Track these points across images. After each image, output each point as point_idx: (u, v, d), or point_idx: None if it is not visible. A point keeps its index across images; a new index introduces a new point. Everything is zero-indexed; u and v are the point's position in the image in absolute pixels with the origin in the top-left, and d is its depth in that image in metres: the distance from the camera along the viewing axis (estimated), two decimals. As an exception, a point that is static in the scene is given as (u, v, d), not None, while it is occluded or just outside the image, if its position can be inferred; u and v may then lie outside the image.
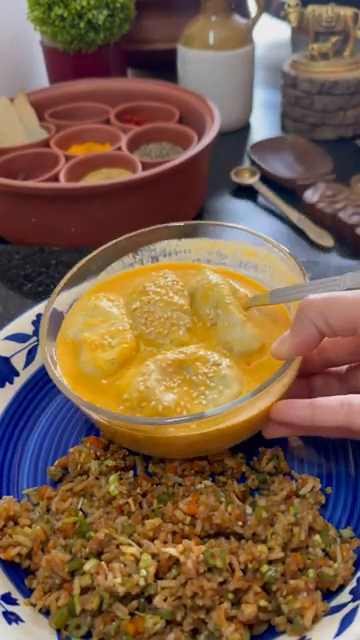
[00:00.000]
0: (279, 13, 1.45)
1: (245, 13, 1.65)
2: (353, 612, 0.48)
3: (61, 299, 0.65)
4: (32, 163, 1.06)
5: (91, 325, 0.63)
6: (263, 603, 0.48)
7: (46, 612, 0.51)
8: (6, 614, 0.49)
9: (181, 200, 1.01)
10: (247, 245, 0.70)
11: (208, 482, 0.57)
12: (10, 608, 0.50)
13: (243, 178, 1.17)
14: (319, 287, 0.58)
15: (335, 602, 0.50)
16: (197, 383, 0.57)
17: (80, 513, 0.55)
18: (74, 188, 0.90)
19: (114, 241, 0.70)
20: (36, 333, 0.72)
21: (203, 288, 0.66)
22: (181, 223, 0.72)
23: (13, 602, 0.51)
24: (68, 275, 0.67)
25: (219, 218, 1.09)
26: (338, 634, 0.46)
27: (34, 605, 0.51)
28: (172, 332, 0.62)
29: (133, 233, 0.71)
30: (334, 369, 0.62)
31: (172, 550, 0.50)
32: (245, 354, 0.61)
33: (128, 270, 0.72)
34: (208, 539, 0.52)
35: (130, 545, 0.51)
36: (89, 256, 0.69)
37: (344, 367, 0.61)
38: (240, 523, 0.53)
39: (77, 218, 0.93)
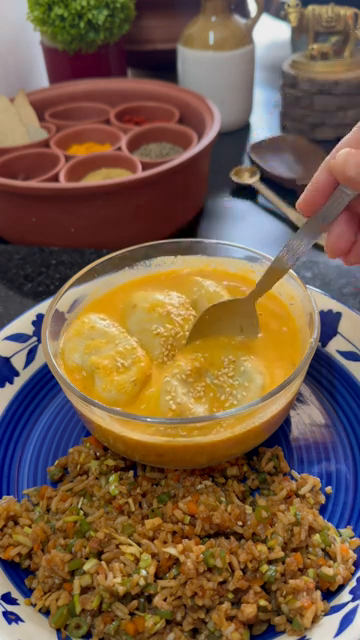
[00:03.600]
0: (279, 13, 1.45)
1: (245, 13, 1.65)
2: (353, 612, 0.48)
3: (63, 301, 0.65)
4: (32, 163, 1.06)
5: (95, 348, 0.61)
6: (263, 603, 0.48)
7: (46, 612, 0.51)
8: (6, 614, 0.49)
9: (181, 200, 1.01)
10: (243, 262, 0.70)
11: (208, 482, 0.57)
12: (10, 608, 0.50)
13: (243, 178, 1.17)
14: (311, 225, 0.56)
15: (335, 602, 0.50)
16: (221, 385, 0.57)
17: (81, 512, 0.55)
18: (74, 188, 0.90)
19: (110, 255, 0.69)
20: (36, 333, 0.72)
21: (203, 298, 0.66)
22: (177, 240, 0.72)
23: (13, 602, 0.51)
24: (64, 288, 0.65)
25: (219, 218, 1.09)
26: (338, 634, 0.46)
27: (34, 605, 0.51)
28: (180, 342, 0.62)
29: (129, 248, 0.70)
30: None
31: (172, 550, 0.50)
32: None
33: (122, 284, 0.71)
34: (208, 539, 0.52)
35: (130, 545, 0.51)
36: (84, 270, 0.67)
37: None
38: (240, 523, 0.53)
39: (77, 218, 0.93)
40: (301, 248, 0.56)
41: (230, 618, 0.48)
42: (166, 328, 0.62)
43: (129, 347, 0.60)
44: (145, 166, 1.00)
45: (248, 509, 0.54)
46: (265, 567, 0.50)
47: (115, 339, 0.61)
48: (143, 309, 0.64)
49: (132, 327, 0.64)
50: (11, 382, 0.69)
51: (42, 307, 0.73)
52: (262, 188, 1.12)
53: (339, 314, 0.71)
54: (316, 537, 0.53)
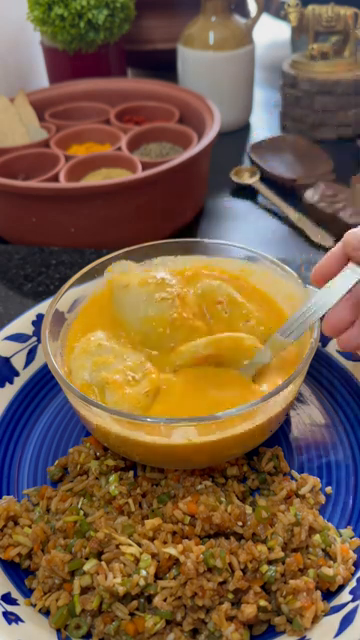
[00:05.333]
0: (279, 13, 1.45)
1: (245, 13, 1.65)
2: (353, 612, 0.48)
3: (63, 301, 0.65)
4: (32, 163, 1.06)
5: (103, 364, 0.59)
6: (263, 603, 0.48)
7: (46, 612, 0.51)
8: (6, 614, 0.49)
9: (181, 200, 1.01)
10: (243, 262, 0.70)
11: (208, 482, 0.56)
12: (10, 608, 0.50)
13: (243, 178, 1.17)
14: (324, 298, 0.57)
15: (335, 602, 0.50)
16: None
17: (81, 512, 0.55)
18: (74, 188, 0.90)
19: (110, 255, 0.69)
20: (36, 333, 0.72)
21: (206, 292, 0.66)
22: (177, 240, 0.72)
23: (13, 602, 0.51)
24: (65, 287, 0.65)
25: (219, 218, 1.09)
26: (338, 634, 0.46)
27: (34, 605, 0.51)
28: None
29: (129, 248, 0.70)
30: None
31: (172, 550, 0.50)
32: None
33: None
34: (208, 539, 0.52)
35: (130, 545, 0.51)
36: (84, 270, 0.67)
37: None
38: (240, 523, 0.53)
39: (77, 218, 0.93)
40: (303, 324, 0.57)
41: (230, 618, 0.48)
42: (168, 292, 0.63)
43: (138, 361, 0.59)
44: (145, 166, 1.00)
45: (248, 509, 0.54)
46: (265, 567, 0.50)
47: (123, 354, 0.60)
48: (136, 284, 0.64)
49: (130, 309, 0.63)
50: (11, 382, 0.69)
51: (42, 307, 0.73)
52: (262, 188, 1.12)
53: (339, 314, 0.71)
54: (316, 537, 0.53)
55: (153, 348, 0.62)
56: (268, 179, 1.16)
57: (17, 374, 0.70)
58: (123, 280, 0.66)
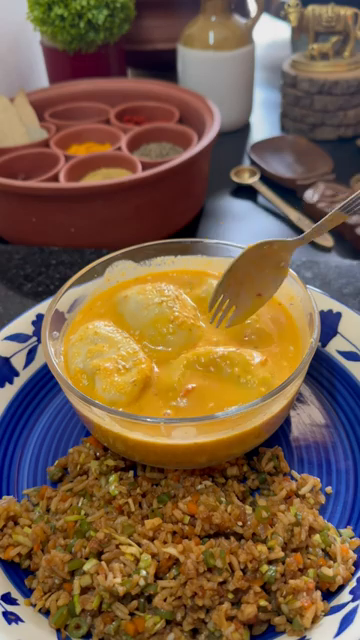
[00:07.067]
0: (279, 13, 1.45)
1: (245, 13, 1.65)
2: (353, 612, 0.48)
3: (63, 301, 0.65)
4: (32, 163, 1.07)
5: (97, 352, 0.60)
6: (263, 603, 0.48)
7: (46, 612, 0.51)
8: (6, 614, 0.49)
9: (181, 200, 1.01)
10: None
11: (208, 482, 0.56)
12: (10, 608, 0.50)
13: (243, 178, 1.17)
14: None
15: (335, 602, 0.50)
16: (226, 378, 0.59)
17: (82, 512, 0.55)
18: (74, 188, 0.90)
19: (110, 255, 0.70)
20: (36, 333, 0.72)
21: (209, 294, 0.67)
22: (177, 240, 0.72)
23: (13, 602, 0.51)
24: (66, 286, 0.66)
25: (219, 218, 1.09)
26: (338, 634, 0.46)
27: (34, 605, 0.51)
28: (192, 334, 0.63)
29: (129, 248, 0.71)
30: None
31: (172, 550, 0.50)
32: None
33: (122, 282, 0.71)
34: (208, 539, 0.52)
35: (130, 545, 0.51)
36: (84, 270, 0.68)
37: None
38: (240, 523, 0.53)
39: (77, 218, 0.93)
40: None
41: (230, 618, 0.48)
42: (166, 296, 0.64)
43: (131, 350, 0.60)
44: (145, 166, 1.00)
45: (248, 509, 0.54)
46: (265, 567, 0.50)
47: (118, 343, 0.61)
48: (135, 293, 0.66)
49: (131, 315, 0.65)
50: (11, 382, 0.69)
51: (42, 307, 0.73)
52: (262, 188, 1.12)
53: (339, 314, 0.71)
54: (316, 537, 0.53)
55: (162, 347, 0.63)
56: (268, 179, 1.16)
57: (17, 374, 0.70)
58: (122, 292, 0.68)
